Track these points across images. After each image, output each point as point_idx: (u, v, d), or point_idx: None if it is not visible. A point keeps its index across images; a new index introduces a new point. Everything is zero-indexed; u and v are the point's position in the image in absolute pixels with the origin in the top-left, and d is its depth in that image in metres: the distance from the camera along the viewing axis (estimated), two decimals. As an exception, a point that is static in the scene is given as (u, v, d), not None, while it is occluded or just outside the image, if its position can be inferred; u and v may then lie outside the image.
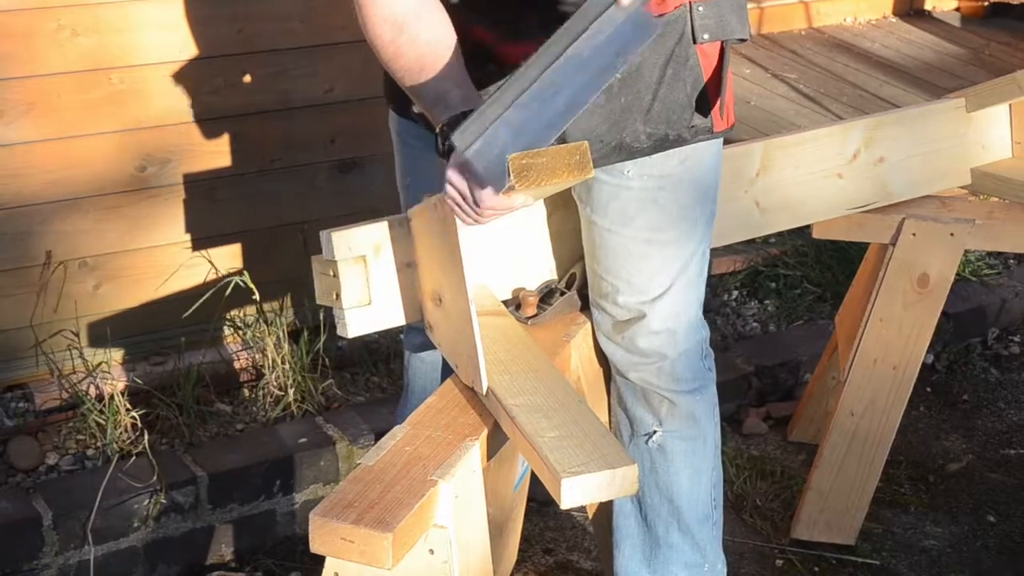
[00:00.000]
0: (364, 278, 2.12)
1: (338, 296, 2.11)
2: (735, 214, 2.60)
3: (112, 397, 2.96)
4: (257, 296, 3.03)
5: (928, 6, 6.17)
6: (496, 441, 2.03)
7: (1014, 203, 2.90)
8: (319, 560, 1.83)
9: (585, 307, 2.37)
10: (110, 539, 2.76)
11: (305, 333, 3.19)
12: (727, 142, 2.42)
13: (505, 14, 2.05)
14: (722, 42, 2.13)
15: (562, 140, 1.83)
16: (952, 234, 2.78)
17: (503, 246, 2.31)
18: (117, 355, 3.17)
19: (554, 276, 2.41)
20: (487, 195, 1.85)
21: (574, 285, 2.37)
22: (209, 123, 3.15)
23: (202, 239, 3.21)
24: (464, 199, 1.87)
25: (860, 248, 3.22)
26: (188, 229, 3.20)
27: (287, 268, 3.22)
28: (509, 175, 1.76)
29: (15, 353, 3.08)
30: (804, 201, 2.72)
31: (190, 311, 3.03)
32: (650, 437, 2.35)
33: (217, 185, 3.20)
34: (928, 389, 3.64)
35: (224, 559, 2.89)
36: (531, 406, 1.97)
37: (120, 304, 3.18)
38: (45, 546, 2.70)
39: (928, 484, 3.23)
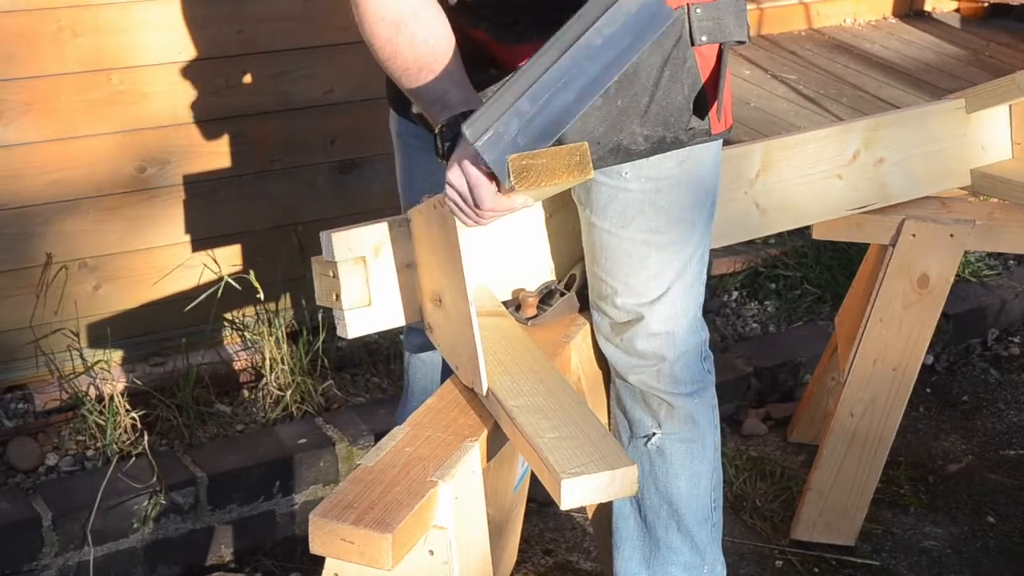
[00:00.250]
0: (364, 279, 2.12)
1: (338, 297, 2.11)
2: (735, 215, 2.60)
3: (112, 398, 2.96)
4: (261, 295, 3.03)
5: (928, 7, 6.17)
6: (496, 442, 2.03)
7: (1014, 204, 2.90)
8: (319, 561, 1.83)
9: (585, 308, 2.37)
10: (110, 540, 2.76)
11: (305, 334, 3.19)
12: (727, 143, 2.42)
13: (504, 16, 2.05)
14: (720, 44, 2.13)
15: (560, 142, 1.83)
16: (952, 235, 2.78)
17: (503, 247, 2.31)
18: (117, 356, 3.17)
19: (554, 277, 2.41)
20: (487, 196, 1.85)
21: (574, 286, 2.37)
22: (209, 124, 3.15)
23: (202, 240, 3.21)
24: (464, 200, 1.87)
25: (860, 249, 3.22)
26: (188, 230, 3.20)
27: (287, 269, 3.22)
28: (509, 176, 1.75)
29: (15, 354, 3.08)
30: (804, 202, 2.72)
31: (189, 307, 3.04)
32: (649, 439, 2.35)
33: (217, 186, 3.21)
34: (928, 390, 3.64)
35: (224, 560, 2.89)
36: (531, 407, 1.97)
37: (120, 305, 3.18)
38: (45, 547, 2.70)
39: (928, 485, 3.24)
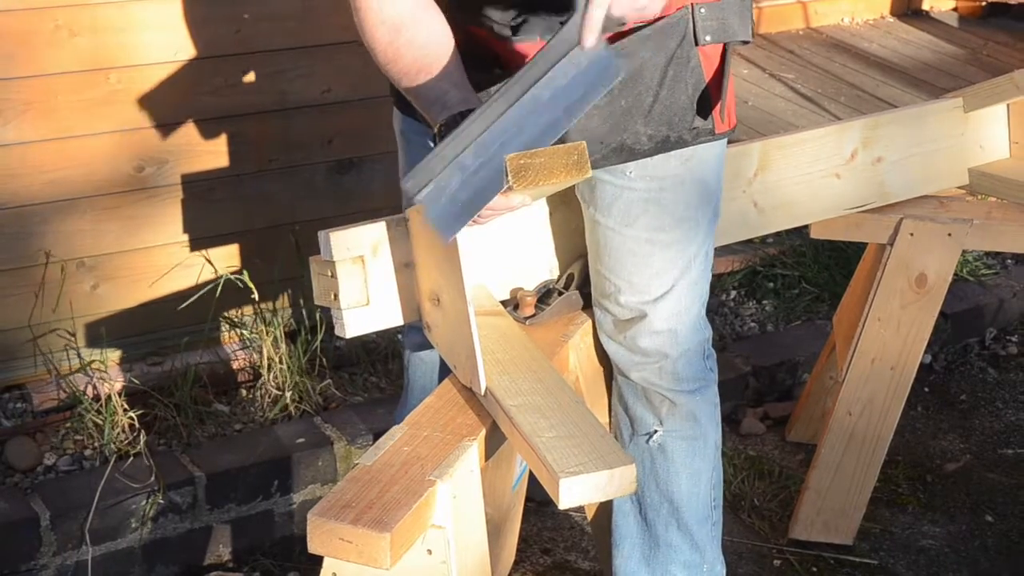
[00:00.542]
0: (362, 278, 2.12)
1: (336, 296, 2.11)
2: (733, 214, 2.60)
3: (110, 397, 2.96)
4: (256, 295, 3.03)
5: (926, 6, 6.17)
6: (494, 441, 2.03)
7: (1012, 203, 2.90)
8: (317, 560, 1.83)
9: (587, 306, 2.37)
10: (108, 539, 2.76)
11: (303, 333, 3.19)
12: (726, 143, 2.42)
13: (506, 14, 2.05)
14: (724, 44, 2.13)
15: (560, 141, 1.83)
16: (950, 234, 2.78)
17: (501, 246, 2.31)
18: (115, 355, 3.17)
19: (552, 276, 2.41)
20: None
21: (572, 285, 2.37)
22: (207, 123, 3.15)
23: (200, 239, 3.21)
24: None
25: (858, 248, 3.22)
26: (186, 229, 3.20)
27: (285, 268, 3.22)
28: (507, 175, 1.76)
29: (13, 353, 3.08)
30: (802, 201, 2.72)
31: (186, 304, 3.04)
32: (650, 436, 2.35)
33: (215, 185, 3.20)
34: (926, 389, 3.64)
35: (222, 559, 2.89)
36: (529, 406, 1.97)
37: (118, 304, 3.18)
38: (43, 546, 2.70)
39: (926, 484, 3.24)
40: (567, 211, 2.36)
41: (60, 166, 3.01)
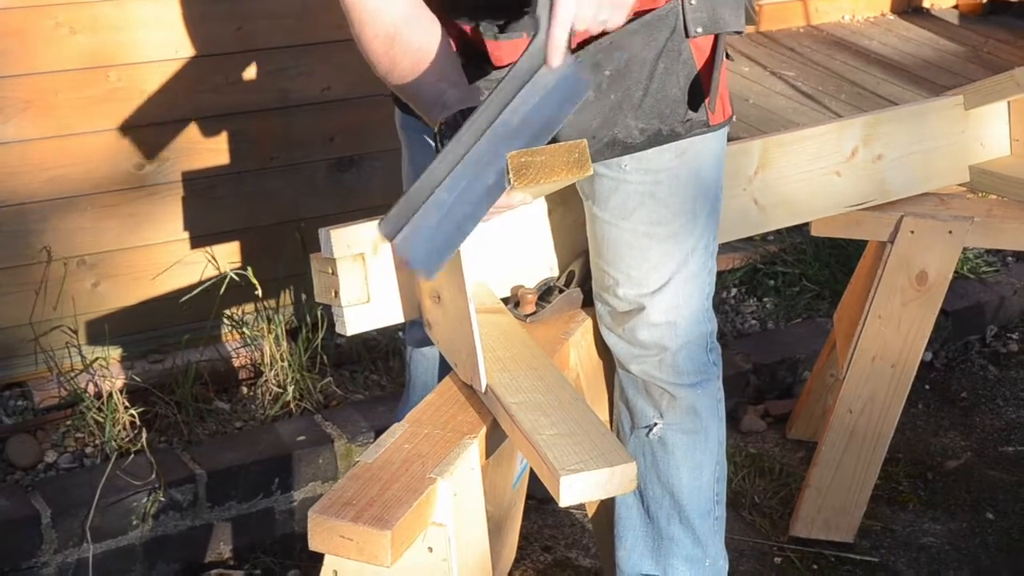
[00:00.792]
0: (363, 276, 2.12)
1: (337, 294, 2.11)
2: (733, 212, 2.60)
3: (111, 395, 2.96)
4: (260, 292, 3.03)
5: (926, 3, 6.17)
6: (495, 439, 2.03)
7: (1012, 200, 2.90)
8: (318, 558, 1.83)
9: (588, 303, 2.37)
10: (109, 537, 2.76)
11: (304, 331, 3.19)
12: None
13: (493, 12, 2.04)
14: (716, 35, 2.13)
15: (556, 140, 1.83)
16: (950, 232, 2.78)
17: (502, 244, 2.31)
18: (116, 353, 3.17)
19: (553, 274, 2.41)
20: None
21: (573, 282, 2.37)
22: (207, 121, 3.15)
23: (200, 237, 3.21)
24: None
25: (859, 246, 3.22)
26: (186, 227, 3.20)
27: (286, 266, 3.22)
28: (508, 173, 1.76)
29: (14, 351, 3.08)
30: (802, 199, 2.72)
31: (187, 298, 3.04)
32: (650, 429, 2.35)
33: (215, 183, 3.20)
34: (926, 386, 3.64)
35: (223, 557, 2.89)
36: (530, 404, 1.97)
37: (118, 302, 3.18)
38: (44, 544, 2.70)
39: (927, 481, 3.24)
40: (567, 208, 2.36)
41: (60, 164, 3.01)
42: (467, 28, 2.06)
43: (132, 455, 2.87)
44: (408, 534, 1.79)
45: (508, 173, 1.75)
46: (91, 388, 3.04)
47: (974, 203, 2.89)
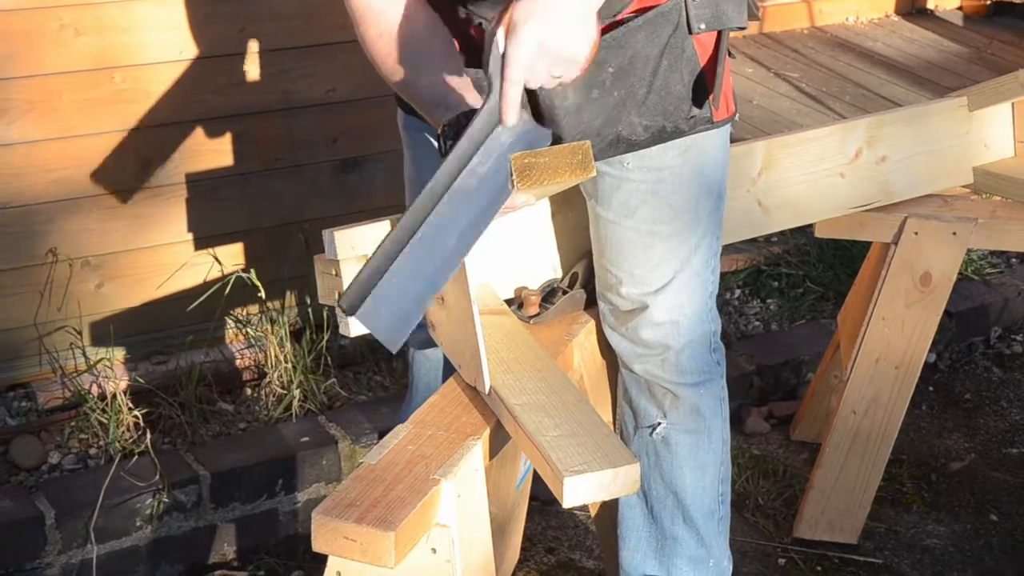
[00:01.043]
0: (366, 277, 2.12)
1: (341, 295, 2.11)
2: (737, 213, 2.60)
3: (115, 396, 2.96)
4: (263, 294, 3.03)
5: (930, 5, 6.17)
6: (498, 440, 2.03)
7: (1016, 202, 2.90)
8: (321, 559, 1.83)
9: (592, 304, 2.37)
10: (112, 538, 2.76)
11: (308, 332, 3.19)
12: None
13: (494, 10, 2.04)
14: (719, 31, 2.13)
15: (558, 140, 1.83)
16: (954, 233, 2.78)
17: (505, 245, 2.31)
18: (120, 354, 3.17)
19: (556, 275, 2.41)
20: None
21: (576, 284, 2.37)
22: (211, 123, 3.15)
23: (204, 238, 3.22)
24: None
25: (862, 247, 3.22)
26: (190, 228, 3.21)
27: (290, 267, 3.23)
28: (511, 175, 1.76)
29: (18, 352, 3.08)
30: (806, 200, 2.72)
31: (192, 306, 3.04)
32: (654, 429, 2.35)
33: (219, 184, 3.21)
34: (930, 388, 3.64)
35: (226, 558, 2.90)
36: (533, 405, 1.97)
37: (123, 303, 3.18)
38: (47, 545, 2.71)
39: (930, 483, 3.23)
40: (571, 210, 2.36)
41: (64, 165, 3.02)
42: (472, 29, 2.06)
43: (136, 456, 2.87)
44: (412, 535, 1.79)
45: (511, 175, 1.75)
46: (95, 389, 3.04)
47: (978, 205, 2.89)
